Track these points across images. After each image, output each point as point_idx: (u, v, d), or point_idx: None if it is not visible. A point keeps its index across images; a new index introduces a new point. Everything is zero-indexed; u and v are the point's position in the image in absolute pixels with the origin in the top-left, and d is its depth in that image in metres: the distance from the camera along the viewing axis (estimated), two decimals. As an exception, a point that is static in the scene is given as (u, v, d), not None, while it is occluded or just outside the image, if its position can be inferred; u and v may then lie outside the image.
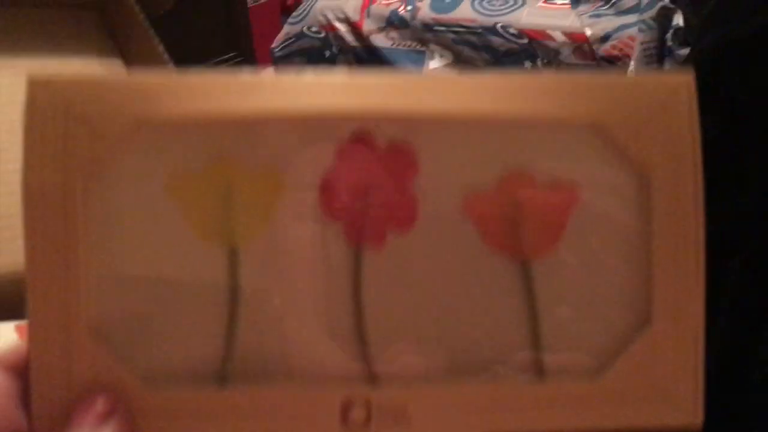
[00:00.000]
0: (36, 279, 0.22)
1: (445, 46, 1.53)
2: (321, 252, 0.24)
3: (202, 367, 0.23)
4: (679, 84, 0.23)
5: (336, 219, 0.23)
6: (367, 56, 1.61)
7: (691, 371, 0.23)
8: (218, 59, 2.23)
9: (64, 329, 0.22)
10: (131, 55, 0.76)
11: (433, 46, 1.54)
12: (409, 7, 1.56)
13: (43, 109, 0.22)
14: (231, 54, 2.28)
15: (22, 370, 0.22)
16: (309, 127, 0.23)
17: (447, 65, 1.54)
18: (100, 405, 0.22)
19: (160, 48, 0.72)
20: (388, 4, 1.59)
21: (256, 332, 0.24)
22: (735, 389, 0.43)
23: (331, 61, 1.67)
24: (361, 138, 0.23)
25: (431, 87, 0.23)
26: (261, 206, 0.23)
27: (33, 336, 0.22)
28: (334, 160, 0.23)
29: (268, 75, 0.23)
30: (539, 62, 1.43)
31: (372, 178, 0.23)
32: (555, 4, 1.46)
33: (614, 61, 1.34)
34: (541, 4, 1.47)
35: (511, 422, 0.23)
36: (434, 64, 1.55)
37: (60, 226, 0.22)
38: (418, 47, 1.56)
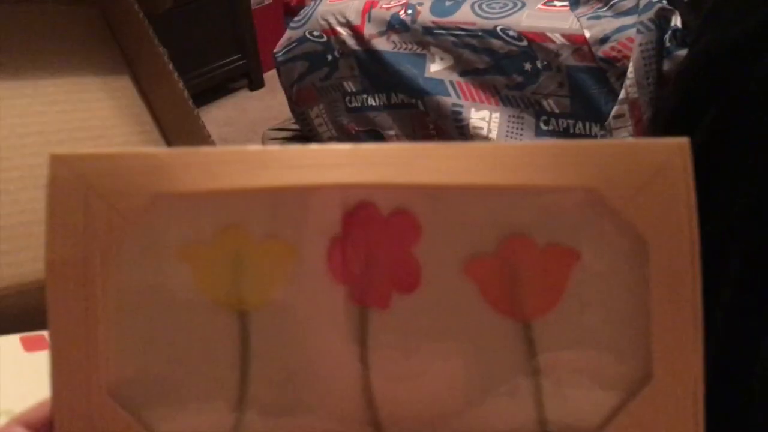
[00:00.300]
0: (59, 347, 0.24)
1: (446, 49, 1.54)
2: (328, 312, 0.25)
3: (216, 426, 0.25)
4: (674, 148, 0.24)
5: (343, 282, 0.25)
6: (368, 60, 1.62)
7: (692, 427, 0.24)
8: (222, 61, 2.24)
9: (86, 392, 0.24)
10: (131, 52, 0.76)
11: (433, 49, 1.55)
12: (409, 11, 1.57)
13: (64, 184, 0.24)
14: (235, 56, 2.29)
15: (44, 430, 0.24)
16: (316, 195, 0.25)
17: (447, 68, 1.55)
18: None
19: (161, 48, 0.73)
20: (389, 8, 1.60)
21: (268, 393, 0.25)
22: (735, 387, 0.43)
23: (333, 65, 1.68)
24: (365, 207, 0.25)
25: (430, 158, 0.24)
26: (270, 272, 0.25)
27: (56, 398, 0.24)
28: (340, 228, 0.25)
29: (275, 148, 0.24)
30: (539, 64, 1.44)
31: (376, 243, 0.25)
32: (554, 6, 1.47)
33: (614, 63, 1.35)
34: (540, 6, 1.48)
35: None
36: (435, 67, 1.56)
37: (81, 296, 0.24)
38: (418, 50, 1.57)
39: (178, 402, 0.25)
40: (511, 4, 1.50)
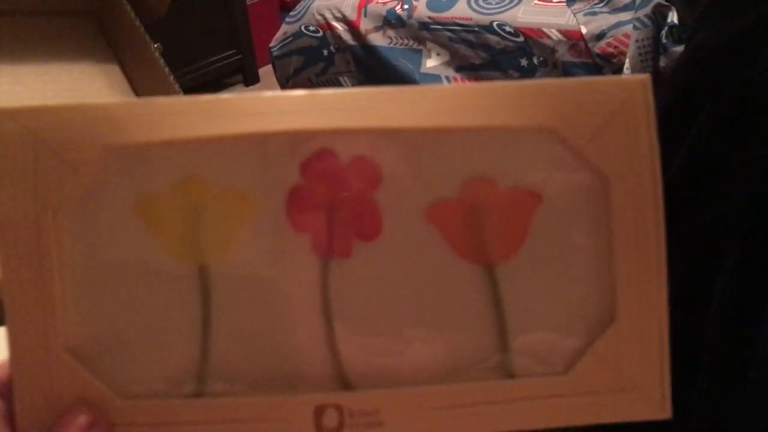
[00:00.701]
0: (14, 304, 0.23)
1: (442, 44, 1.53)
2: (290, 263, 0.24)
3: (178, 380, 0.24)
4: (635, 85, 0.24)
5: (303, 231, 0.24)
6: (364, 55, 1.62)
7: (657, 365, 0.24)
8: (217, 57, 2.23)
9: (44, 350, 0.23)
10: (128, 61, 0.76)
11: (429, 45, 1.55)
12: (405, 6, 1.57)
13: (12, 139, 0.23)
14: (230, 51, 2.29)
15: (5, 391, 0.24)
16: (273, 144, 0.24)
17: (444, 63, 1.55)
18: (81, 418, 0.23)
19: (157, 54, 0.73)
20: (385, 3, 1.60)
21: (230, 344, 0.24)
22: (732, 385, 0.43)
23: (329, 60, 1.67)
24: (324, 155, 0.24)
25: (390, 101, 0.24)
26: (229, 223, 0.24)
27: (14, 358, 0.23)
28: (299, 176, 0.24)
29: (229, 96, 0.24)
30: (535, 60, 1.44)
31: (336, 191, 0.24)
32: (551, 2, 1.47)
33: (610, 59, 1.35)
34: (536, 2, 1.48)
35: (483, 422, 0.24)
36: (431, 62, 1.56)
37: (35, 254, 0.23)
38: (414, 45, 1.57)
39: (139, 358, 0.24)
40: (507, 0, 1.50)
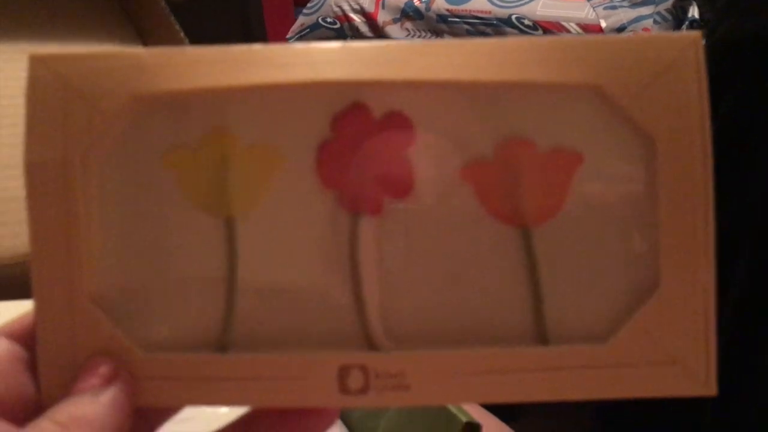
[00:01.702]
0: (39, 251, 0.23)
1: (460, 36, 1.53)
2: (318, 219, 0.24)
3: (202, 334, 0.24)
4: (686, 42, 0.23)
5: (332, 187, 0.24)
6: (381, 47, 1.62)
7: (702, 337, 0.23)
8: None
9: (68, 299, 0.23)
10: (152, 42, 0.76)
11: (447, 37, 1.54)
12: (423, -1, 1.57)
13: (43, 85, 0.23)
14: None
15: (27, 339, 0.23)
16: (304, 97, 0.23)
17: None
18: (103, 368, 0.22)
19: (181, 34, 0.73)
20: (403, -5, 1.60)
21: (255, 299, 0.24)
22: (743, 386, 0.43)
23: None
24: (357, 108, 0.23)
25: (426, 54, 0.23)
26: (257, 176, 0.24)
27: (38, 306, 0.23)
28: (330, 130, 0.24)
29: (261, 46, 0.23)
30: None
31: (368, 146, 0.23)
32: (570, -5, 1.46)
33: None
34: (556, -5, 1.47)
35: (514, 389, 0.23)
36: (448, 55, 1.55)
37: (61, 199, 0.23)
38: (432, 38, 1.56)
39: (163, 311, 0.24)
40: (526, -7, 1.49)
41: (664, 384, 0.23)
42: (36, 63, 0.23)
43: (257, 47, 0.23)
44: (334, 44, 0.23)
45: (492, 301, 0.24)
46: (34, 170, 0.23)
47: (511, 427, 0.53)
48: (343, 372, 0.23)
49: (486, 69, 0.23)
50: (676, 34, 0.23)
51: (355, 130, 0.23)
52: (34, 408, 0.22)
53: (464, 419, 0.41)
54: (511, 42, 0.23)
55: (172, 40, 0.72)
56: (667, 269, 0.23)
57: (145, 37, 0.76)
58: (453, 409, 0.42)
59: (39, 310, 0.23)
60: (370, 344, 0.24)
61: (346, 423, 0.52)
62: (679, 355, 0.23)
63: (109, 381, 0.22)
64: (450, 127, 0.24)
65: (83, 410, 0.21)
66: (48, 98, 0.23)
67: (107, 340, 0.23)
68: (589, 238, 0.23)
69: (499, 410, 0.52)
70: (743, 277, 0.43)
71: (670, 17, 1.31)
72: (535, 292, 0.24)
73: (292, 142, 0.24)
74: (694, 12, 1.30)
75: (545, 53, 0.23)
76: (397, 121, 0.23)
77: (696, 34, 0.23)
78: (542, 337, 0.24)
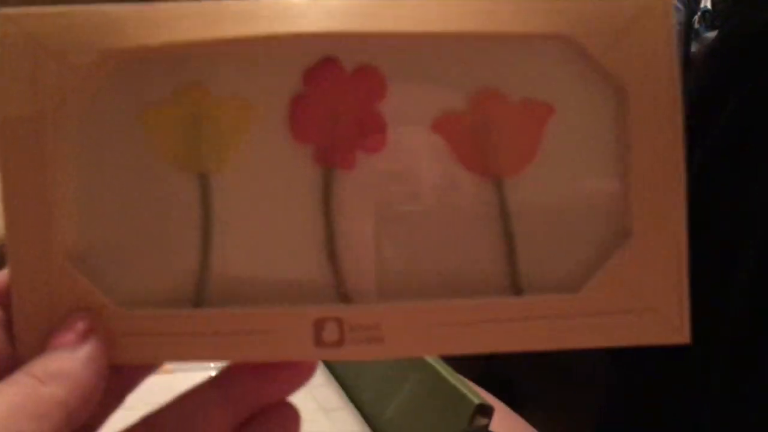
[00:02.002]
0: (13, 210, 0.23)
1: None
2: (291, 174, 0.24)
3: (177, 290, 0.24)
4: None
5: (305, 141, 0.24)
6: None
7: (675, 285, 0.23)
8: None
9: (43, 256, 0.23)
10: None
11: None
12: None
13: (13, 42, 0.23)
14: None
15: (4, 299, 0.23)
16: (275, 50, 0.24)
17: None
18: (80, 324, 0.22)
19: None
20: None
21: (230, 254, 0.24)
22: (749, 384, 0.43)
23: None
24: (328, 62, 0.24)
25: (396, 7, 0.23)
26: (230, 131, 0.24)
27: (13, 263, 0.23)
28: (302, 84, 0.24)
29: (230, 2, 0.23)
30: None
31: (340, 100, 0.24)
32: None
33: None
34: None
35: (489, 341, 0.23)
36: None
37: (34, 157, 0.23)
38: None
39: (138, 268, 0.24)
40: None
41: (638, 332, 0.23)
42: (4, 20, 0.23)
43: (227, 2, 0.23)
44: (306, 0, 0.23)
45: (465, 252, 0.24)
46: (5, 127, 0.23)
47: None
48: (318, 325, 0.23)
49: (457, 21, 0.23)
50: None
51: (327, 83, 0.24)
52: (10, 366, 0.22)
53: (476, 401, 0.40)
54: None
55: None
56: (639, 218, 0.23)
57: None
58: (464, 390, 0.41)
59: (14, 267, 0.23)
60: (345, 297, 0.24)
61: (356, 405, 0.52)
62: (652, 302, 0.23)
63: (85, 336, 0.22)
64: (422, 79, 0.24)
65: (60, 365, 0.21)
66: (18, 56, 0.23)
67: (84, 296, 0.23)
68: (561, 188, 0.24)
69: (504, 398, 0.52)
70: (746, 279, 0.43)
71: (682, 7, 1.30)
72: (508, 242, 0.24)
73: (264, 96, 0.24)
74: (706, 2, 1.29)
75: (516, 4, 0.23)
76: (369, 75, 0.24)
77: None
78: (516, 288, 0.24)
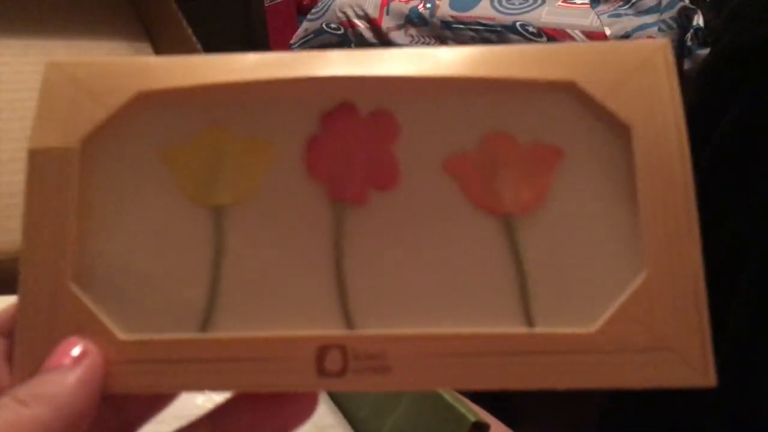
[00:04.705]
0: (29, 232, 0.24)
1: (464, 43, 1.53)
2: (304, 209, 0.24)
3: (183, 319, 0.24)
4: (656, 46, 0.24)
5: (319, 179, 0.24)
6: (385, 53, 1.62)
7: (695, 323, 0.22)
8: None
9: (51, 281, 0.23)
10: (160, 40, 0.76)
11: (451, 44, 1.55)
12: (428, 5, 1.57)
13: (55, 85, 0.25)
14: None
15: (6, 330, 0.23)
16: (295, 94, 0.25)
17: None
18: (74, 349, 0.22)
19: (189, 31, 0.73)
20: (408, 2, 1.60)
21: (240, 285, 0.24)
22: (752, 393, 0.43)
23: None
24: (344, 107, 0.25)
25: (412, 57, 0.24)
26: (248, 168, 0.25)
27: (22, 287, 0.23)
28: (319, 127, 0.25)
29: (259, 54, 0.25)
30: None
31: (354, 142, 0.24)
32: (574, 3, 1.46)
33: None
34: (560, 3, 1.47)
35: (499, 375, 0.22)
36: (452, 61, 1.55)
37: (57, 183, 0.24)
38: (437, 45, 1.56)
39: (146, 295, 0.24)
40: (531, 0, 1.49)
41: (658, 373, 0.22)
42: (51, 68, 0.25)
43: (255, 54, 0.25)
44: (326, 52, 0.25)
45: (477, 289, 0.24)
46: (35, 157, 0.24)
47: (515, 432, 0.52)
48: (321, 352, 0.23)
49: (467, 68, 0.24)
50: (647, 40, 0.25)
51: (343, 126, 0.25)
52: None
53: (472, 419, 0.40)
54: (494, 47, 0.24)
55: (180, 38, 0.72)
56: (651, 253, 0.23)
57: (154, 36, 0.76)
58: (461, 407, 0.42)
59: (22, 291, 0.23)
60: (349, 325, 0.24)
61: (351, 422, 0.52)
62: (671, 341, 0.22)
63: (78, 361, 0.22)
64: (433, 122, 0.25)
65: (47, 389, 0.21)
66: (57, 95, 0.25)
67: (87, 321, 0.23)
68: (572, 227, 0.24)
69: (502, 416, 0.52)
70: (748, 288, 0.43)
71: (675, 25, 1.31)
72: (520, 280, 0.24)
73: (282, 137, 0.25)
74: (699, 20, 1.30)
75: (524, 55, 0.24)
76: (383, 119, 0.25)
77: (665, 40, 0.24)
78: (528, 320, 0.24)
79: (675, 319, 0.22)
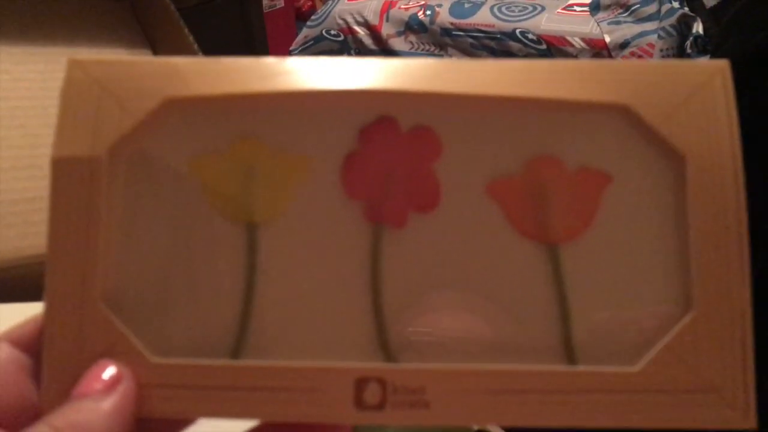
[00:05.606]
0: (56, 248, 0.22)
1: (464, 50, 1.53)
2: (341, 229, 0.23)
3: (215, 342, 0.23)
4: (714, 68, 0.23)
5: (357, 198, 0.23)
6: (385, 60, 1.62)
7: (740, 364, 0.22)
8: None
9: (80, 298, 0.22)
10: (161, 46, 0.76)
11: (451, 51, 1.55)
12: (428, 12, 1.57)
13: (79, 86, 0.23)
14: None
15: (30, 345, 0.23)
16: (333, 107, 0.23)
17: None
18: (106, 373, 0.22)
19: (191, 38, 0.73)
20: (408, 8, 1.60)
21: (273, 307, 0.23)
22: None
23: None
24: (385, 121, 0.23)
25: (456, 71, 0.23)
26: (283, 185, 0.24)
27: (48, 304, 0.22)
28: (357, 142, 0.23)
29: (293, 60, 0.23)
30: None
31: (394, 159, 0.23)
32: (574, 10, 1.46)
33: (633, 68, 1.34)
34: (559, 10, 1.47)
35: (540, 411, 0.22)
36: (452, 68, 1.55)
37: (84, 196, 0.22)
38: (436, 51, 1.57)
39: (177, 316, 0.23)
40: (530, 8, 1.49)
41: (698, 414, 0.22)
42: (73, 66, 0.23)
43: (290, 60, 0.23)
44: (366, 59, 0.23)
45: (518, 317, 0.23)
46: (60, 166, 0.22)
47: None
48: (360, 385, 0.22)
49: (514, 86, 0.23)
50: (705, 60, 0.23)
51: (382, 142, 0.23)
52: (35, 417, 0.21)
53: (475, 426, 0.40)
54: (541, 63, 0.23)
55: (181, 45, 0.72)
56: (700, 291, 0.22)
57: (155, 44, 0.76)
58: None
59: (49, 308, 0.22)
60: (390, 358, 0.23)
61: (354, 430, 0.51)
62: (715, 382, 0.22)
63: (112, 386, 0.21)
64: (477, 142, 0.23)
65: (83, 416, 0.20)
66: (82, 99, 0.23)
67: (117, 342, 0.22)
68: (618, 257, 0.23)
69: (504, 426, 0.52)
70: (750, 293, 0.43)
71: (674, 33, 1.31)
72: (562, 310, 0.23)
73: (318, 152, 0.24)
74: (698, 28, 1.30)
75: (574, 74, 0.23)
76: (424, 136, 0.23)
77: (723, 62, 0.23)
78: (570, 357, 0.23)
79: (721, 361, 0.22)
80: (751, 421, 0.22)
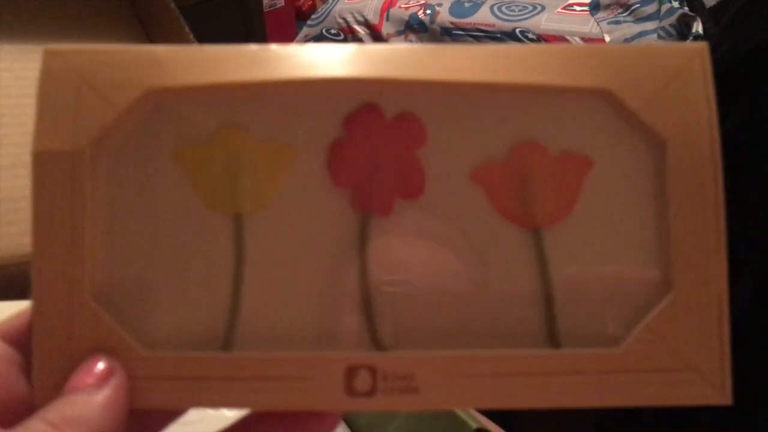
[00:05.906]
0: (41, 243, 0.22)
1: (464, 50, 1.53)
2: (328, 217, 0.24)
3: (206, 332, 0.23)
4: (693, 51, 0.23)
5: (343, 186, 0.24)
6: (385, 59, 1.62)
7: (716, 344, 0.22)
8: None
9: (68, 293, 0.22)
10: (161, 44, 0.76)
11: (451, 50, 1.55)
12: (428, 11, 1.57)
13: (56, 77, 0.23)
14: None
15: (19, 340, 0.23)
16: (317, 95, 0.23)
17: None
18: (100, 367, 0.22)
19: (191, 36, 0.73)
20: (408, 8, 1.60)
21: (262, 297, 0.23)
22: (748, 399, 0.43)
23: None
24: (369, 109, 0.23)
25: (439, 57, 0.23)
26: (268, 173, 0.24)
27: (36, 300, 0.22)
28: (342, 130, 0.24)
29: (277, 46, 0.23)
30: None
31: (379, 147, 0.24)
32: (574, 10, 1.46)
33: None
34: (559, 10, 1.48)
35: (526, 394, 0.22)
36: (452, 67, 1.55)
37: (67, 190, 0.22)
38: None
39: (166, 308, 0.23)
40: (530, 7, 1.49)
41: (678, 392, 0.22)
42: (50, 56, 0.23)
43: (273, 47, 0.23)
44: (350, 45, 0.23)
45: (502, 301, 0.23)
46: (42, 160, 0.22)
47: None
48: (350, 373, 0.22)
49: (497, 72, 0.23)
50: (684, 44, 0.24)
51: (367, 129, 0.24)
52: (27, 411, 0.21)
53: (474, 425, 0.40)
54: (523, 47, 0.23)
55: (181, 43, 0.72)
56: (679, 272, 0.22)
57: (156, 42, 0.76)
58: (463, 415, 0.42)
59: (37, 303, 0.22)
60: (378, 345, 0.23)
61: (353, 429, 0.52)
62: (694, 361, 0.22)
63: (105, 379, 0.22)
64: (461, 128, 0.24)
65: (77, 410, 0.21)
66: (60, 90, 0.23)
67: (106, 336, 0.22)
68: (600, 240, 0.23)
69: (498, 419, 0.52)
70: (746, 291, 0.43)
71: (674, 32, 1.31)
72: (546, 294, 0.23)
73: (303, 140, 0.24)
74: (698, 27, 1.30)
75: (556, 59, 0.23)
76: (409, 122, 0.24)
77: (702, 44, 0.23)
78: (554, 340, 0.23)
79: (699, 340, 0.22)
80: (728, 398, 0.22)
